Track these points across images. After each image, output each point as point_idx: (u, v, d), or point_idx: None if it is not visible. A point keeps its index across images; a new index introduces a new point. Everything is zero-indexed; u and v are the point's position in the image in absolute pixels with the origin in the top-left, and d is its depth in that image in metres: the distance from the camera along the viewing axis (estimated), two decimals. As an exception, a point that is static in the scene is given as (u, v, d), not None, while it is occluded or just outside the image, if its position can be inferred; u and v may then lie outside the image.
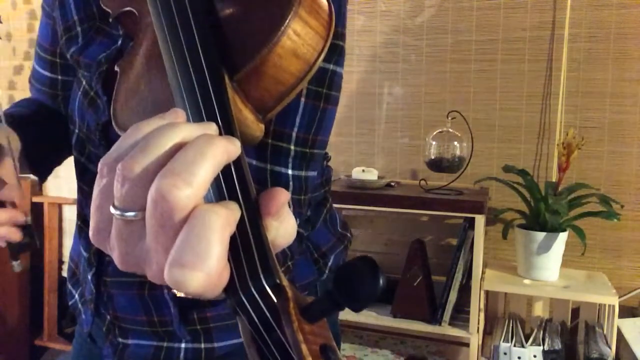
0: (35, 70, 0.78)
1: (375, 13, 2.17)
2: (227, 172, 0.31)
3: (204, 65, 0.37)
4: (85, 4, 0.64)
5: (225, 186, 0.31)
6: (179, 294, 0.61)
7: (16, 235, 0.61)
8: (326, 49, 0.40)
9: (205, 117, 0.35)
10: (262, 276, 0.29)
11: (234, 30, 0.40)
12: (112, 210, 0.29)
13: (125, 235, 0.30)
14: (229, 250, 0.29)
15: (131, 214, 0.29)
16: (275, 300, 0.29)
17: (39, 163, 0.72)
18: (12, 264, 0.65)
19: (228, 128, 0.34)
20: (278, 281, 0.29)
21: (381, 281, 0.26)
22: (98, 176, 0.31)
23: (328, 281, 0.75)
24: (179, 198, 0.27)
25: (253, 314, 0.29)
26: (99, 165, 0.31)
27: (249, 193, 0.32)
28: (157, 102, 0.42)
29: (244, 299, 0.29)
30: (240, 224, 0.30)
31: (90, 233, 0.32)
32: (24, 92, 2.71)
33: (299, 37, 0.38)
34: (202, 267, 0.27)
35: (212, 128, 0.33)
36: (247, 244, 0.30)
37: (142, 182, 0.28)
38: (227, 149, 0.30)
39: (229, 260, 0.29)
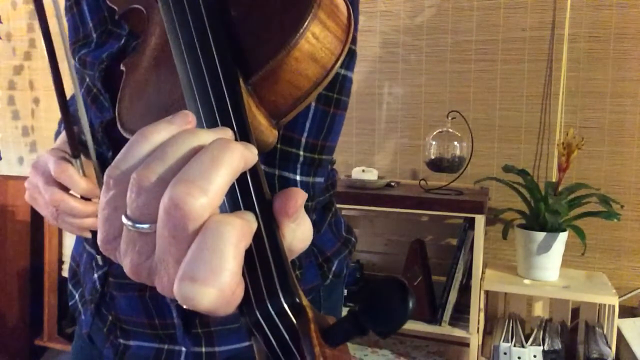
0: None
1: (375, 13, 2.17)
2: (242, 180, 0.29)
3: (218, 66, 0.35)
4: (98, 8, 0.64)
5: (240, 195, 0.29)
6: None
7: None
8: (344, 54, 0.39)
9: (219, 122, 0.33)
10: (280, 294, 0.27)
11: (250, 31, 0.38)
12: (125, 220, 0.28)
13: (138, 246, 0.28)
14: (245, 265, 0.27)
15: (145, 226, 0.27)
16: (295, 321, 0.26)
17: None
18: (96, 257, 0.66)
19: (244, 133, 0.32)
20: (298, 300, 0.27)
21: (411, 304, 0.24)
22: (105, 188, 0.29)
23: (333, 286, 0.73)
24: (193, 207, 0.25)
25: (270, 336, 0.27)
26: (105, 176, 0.29)
27: (266, 203, 0.29)
28: (165, 104, 0.40)
29: (260, 318, 0.27)
30: (257, 237, 0.28)
31: (100, 243, 0.30)
32: (23, 92, 2.71)
33: (318, 40, 0.37)
34: (214, 283, 0.25)
35: (228, 134, 0.31)
36: (264, 259, 0.28)
37: (159, 193, 0.27)
38: (243, 155, 0.28)
39: (244, 275, 0.27)
